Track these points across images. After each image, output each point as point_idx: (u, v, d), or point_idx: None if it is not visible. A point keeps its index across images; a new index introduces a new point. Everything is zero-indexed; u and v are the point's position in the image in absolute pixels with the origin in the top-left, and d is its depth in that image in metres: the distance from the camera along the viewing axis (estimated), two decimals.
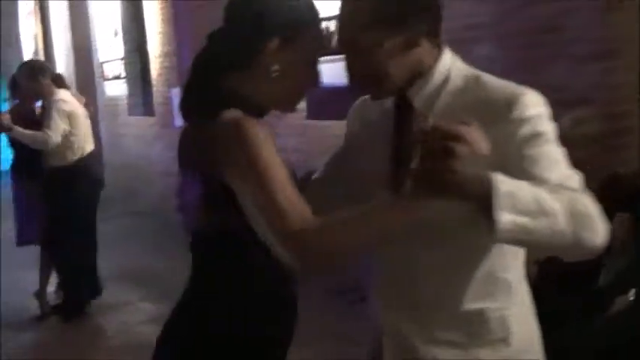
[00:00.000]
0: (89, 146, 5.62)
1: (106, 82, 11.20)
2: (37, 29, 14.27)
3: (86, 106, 5.82)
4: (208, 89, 1.73)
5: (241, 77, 1.71)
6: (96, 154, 5.78)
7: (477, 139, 1.33)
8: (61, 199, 5.44)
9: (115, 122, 11.21)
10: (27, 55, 14.92)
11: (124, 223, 9.11)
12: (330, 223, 1.49)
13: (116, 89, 10.82)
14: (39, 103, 5.77)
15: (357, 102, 1.84)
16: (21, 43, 15.11)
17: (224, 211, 1.67)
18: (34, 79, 5.44)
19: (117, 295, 6.02)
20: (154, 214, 9.26)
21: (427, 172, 1.35)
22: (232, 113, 1.62)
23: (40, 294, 5.70)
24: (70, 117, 5.44)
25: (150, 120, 9.90)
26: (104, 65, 11.13)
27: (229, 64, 1.73)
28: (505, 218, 1.35)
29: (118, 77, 10.67)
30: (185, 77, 1.85)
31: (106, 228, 8.79)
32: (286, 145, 6.67)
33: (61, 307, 5.59)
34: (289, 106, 1.80)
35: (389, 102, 1.68)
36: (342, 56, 1.66)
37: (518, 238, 1.38)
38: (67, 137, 5.43)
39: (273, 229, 1.53)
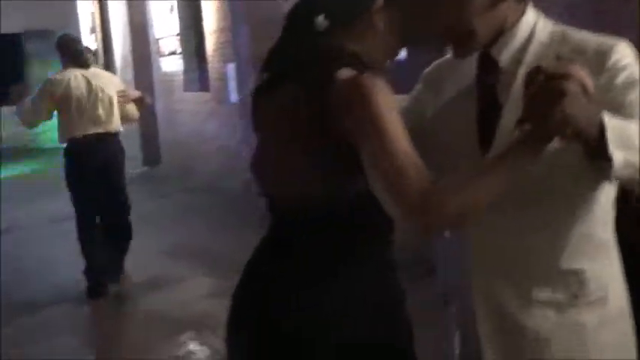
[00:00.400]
0: (89, 128, 5.42)
1: (161, 59, 11.26)
2: (94, 7, 14.41)
3: (120, 94, 5.62)
4: (314, 46, 1.68)
5: (347, 34, 1.69)
6: (97, 138, 5.46)
7: (584, 75, 1.32)
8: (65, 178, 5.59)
9: (170, 98, 11.27)
10: (84, 32, 15.09)
11: (180, 200, 9.17)
12: (450, 184, 1.47)
13: (172, 65, 10.87)
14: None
15: (430, 68, 1.79)
16: (79, 21, 15.28)
17: (334, 173, 1.62)
18: (58, 54, 5.53)
19: (175, 270, 6.06)
20: (210, 190, 9.30)
21: (537, 116, 1.33)
22: (349, 72, 1.59)
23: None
24: (55, 97, 5.37)
25: (205, 96, 9.91)
26: (160, 41, 11.18)
27: (335, 20, 1.69)
28: (619, 155, 1.34)
29: (173, 53, 10.71)
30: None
31: (162, 204, 8.91)
32: None
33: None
34: (384, 65, 1.77)
35: (466, 64, 1.64)
36: None
37: (632, 175, 1.38)
38: (58, 118, 5.46)
39: (392, 190, 1.48)
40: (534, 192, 1.51)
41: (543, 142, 1.38)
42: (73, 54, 5.51)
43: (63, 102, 5.37)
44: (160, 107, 11.80)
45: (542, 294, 1.56)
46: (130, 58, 12.13)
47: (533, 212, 1.54)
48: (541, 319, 1.56)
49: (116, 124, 5.58)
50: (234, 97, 8.52)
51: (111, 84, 5.61)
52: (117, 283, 5.59)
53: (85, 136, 5.40)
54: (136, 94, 5.85)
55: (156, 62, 11.58)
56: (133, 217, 6.18)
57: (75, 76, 5.43)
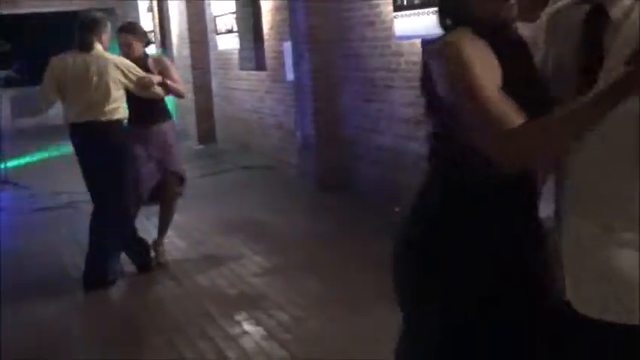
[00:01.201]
0: (82, 115, 5.24)
1: (218, 36, 11.28)
2: None
3: (140, 80, 5.38)
4: (449, 5, 1.90)
5: None
6: (88, 125, 5.23)
7: None
8: None
9: (226, 76, 11.30)
10: (142, 9, 15.22)
11: (235, 177, 9.21)
12: (526, 126, 1.64)
13: (228, 43, 10.88)
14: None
15: (552, 10, 1.88)
16: None
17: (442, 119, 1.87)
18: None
19: (230, 247, 6.09)
20: (264, 168, 9.32)
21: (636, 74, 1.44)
22: (455, 35, 1.79)
23: (155, 246, 5.79)
24: (55, 79, 5.27)
25: (261, 74, 9.91)
26: (217, 19, 11.20)
27: None
28: None
29: (230, 31, 10.71)
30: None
31: (217, 181, 8.96)
32: (402, 97, 6.53)
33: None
34: (535, 16, 1.89)
35: (577, 12, 1.72)
36: None
37: None
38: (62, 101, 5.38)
39: (476, 129, 1.70)
40: (627, 141, 1.59)
41: (628, 95, 1.47)
42: (77, 37, 5.32)
43: (62, 85, 5.28)
44: (215, 85, 11.85)
45: (626, 235, 1.64)
46: (186, 36, 12.18)
47: (625, 158, 1.61)
48: (622, 258, 1.64)
49: (111, 112, 5.26)
50: (289, 75, 8.48)
51: (114, 69, 5.28)
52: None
53: (79, 123, 5.27)
54: (157, 79, 5.51)
55: (212, 40, 11.61)
56: (189, 193, 6.20)
57: (75, 59, 5.27)
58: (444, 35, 1.85)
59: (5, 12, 16.47)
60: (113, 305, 5.22)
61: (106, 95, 5.25)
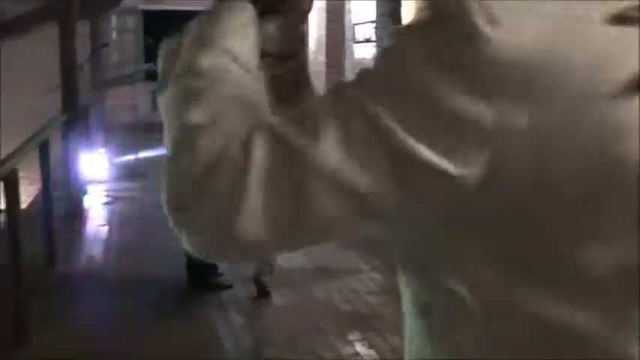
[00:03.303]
0: None
1: (355, 45, 11.18)
2: None
3: None
4: None
5: None
6: None
7: None
8: None
9: None
10: None
11: None
12: None
13: (365, 52, 10.76)
14: None
15: None
16: None
17: None
18: None
19: (346, 260, 5.92)
20: None
21: None
22: None
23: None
24: None
25: None
26: (356, 27, 11.10)
27: None
28: None
29: (368, 40, 10.59)
30: None
31: None
32: None
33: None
34: None
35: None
36: None
37: None
38: None
39: None
40: None
41: None
42: None
43: None
44: None
45: None
46: (324, 42, 12.16)
47: None
48: None
49: None
50: None
51: None
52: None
53: None
54: None
55: (349, 48, 11.53)
56: None
57: None
58: None
59: (150, 8, 17.05)
60: (223, 307, 5.09)
61: None
